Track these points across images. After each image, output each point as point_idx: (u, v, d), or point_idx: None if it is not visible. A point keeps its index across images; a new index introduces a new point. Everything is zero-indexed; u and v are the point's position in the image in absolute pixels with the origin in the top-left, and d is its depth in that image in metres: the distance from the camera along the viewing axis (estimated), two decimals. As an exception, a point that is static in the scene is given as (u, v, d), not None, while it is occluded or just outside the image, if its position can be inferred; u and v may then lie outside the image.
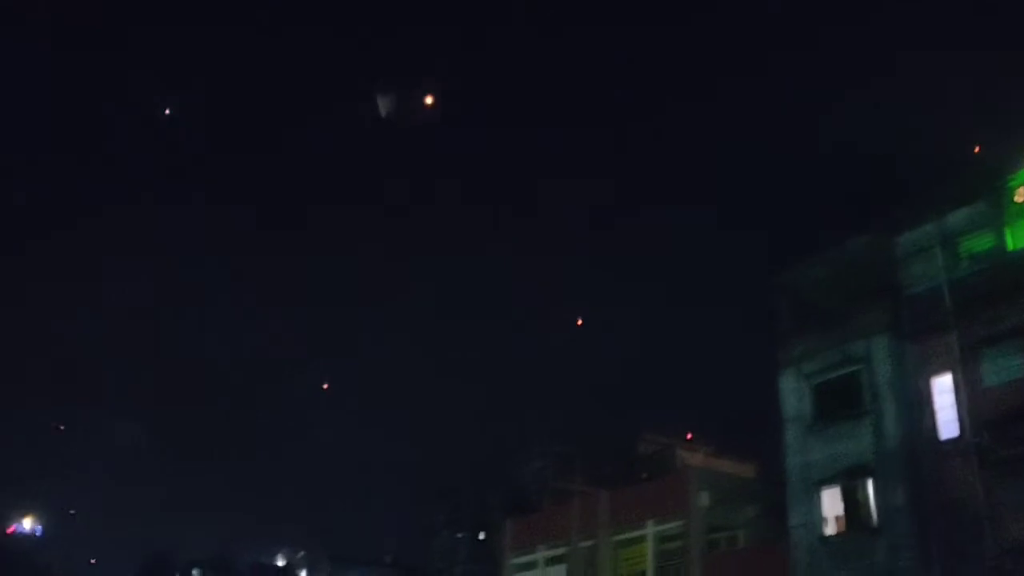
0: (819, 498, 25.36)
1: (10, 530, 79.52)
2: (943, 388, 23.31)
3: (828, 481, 25.19)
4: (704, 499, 31.14)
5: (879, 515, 23.78)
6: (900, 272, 25.02)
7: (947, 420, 23.03)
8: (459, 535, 51.78)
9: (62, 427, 74.96)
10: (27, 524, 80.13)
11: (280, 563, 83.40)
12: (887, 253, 25.45)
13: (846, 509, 24.86)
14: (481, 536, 50.04)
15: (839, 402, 25.60)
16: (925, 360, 23.82)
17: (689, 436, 40.22)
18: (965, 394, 22.63)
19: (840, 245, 26.92)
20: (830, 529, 25.14)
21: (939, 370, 23.42)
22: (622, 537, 34.34)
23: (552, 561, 37.34)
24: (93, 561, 79.13)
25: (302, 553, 79.10)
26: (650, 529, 32.88)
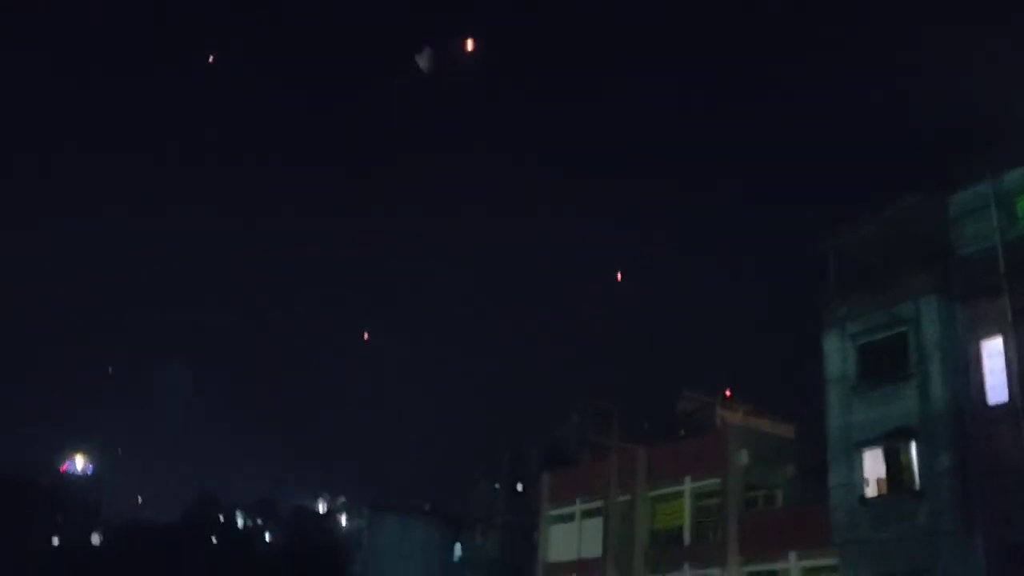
0: (860, 460, 25.09)
1: (63, 468, 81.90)
2: (993, 352, 22.78)
3: (870, 443, 24.90)
4: (743, 457, 31.06)
5: (922, 478, 23.48)
6: (952, 232, 24.39)
7: (996, 384, 22.54)
8: (497, 486, 52.34)
9: (111, 370, 76.80)
10: (79, 463, 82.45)
11: (321, 508, 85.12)
12: (939, 213, 24.81)
13: (888, 471, 24.58)
14: (519, 488, 50.53)
15: (884, 363, 25.19)
16: (975, 323, 23.30)
17: (728, 393, 40.04)
18: (1016, 358, 22.10)
19: (891, 204, 26.33)
20: (871, 491, 24.90)
21: (989, 333, 22.89)
22: (659, 492, 34.46)
23: (588, 514, 37.63)
24: (140, 500, 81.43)
25: (342, 499, 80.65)
26: (688, 485, 32.93)
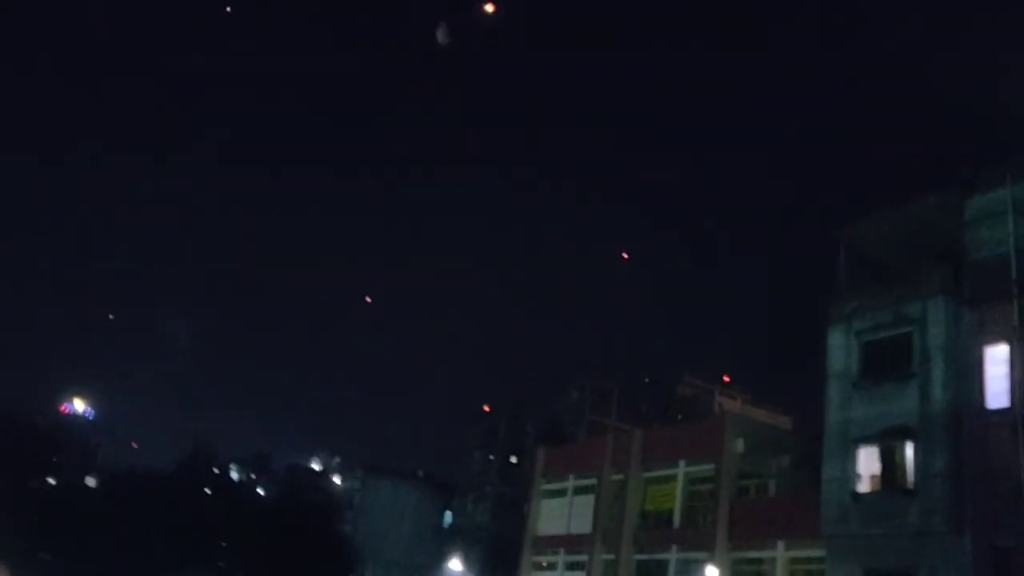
0: (856, 455, 25.18)
1: (63, 409, 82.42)
2: (997, 358, 22.78)
3: (867, 439, 24.98)
4: (738, 445, 31.19)
5: (916, 477, 23.56)
6: (966, 236, 24.32)
7: (997, 390, 22.57)
8: (492, 457, 52.68)
9: (112, 316, 77.08)
10: (79, 406, 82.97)
11: (315, 467, 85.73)
12: (955, 215, 24.72)
13: (883, 469, 24.66)
14: (513, 460, 50.85)
15: (887, 362, 25.22)
16: (981, 328, 23.28)
17: (727, 379, 40.16)
18: (1019, 366, 22.11)
19: (908, 203, 26.22)
20: (864, 487, 25.00)
21: (995, 339, 22.88)
22: (653, 474, 34.65)
23: (581, 491, 37.87)
24: (135, 445, 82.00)
25: (337, 459, 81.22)
26: (681, 469, 33.10)
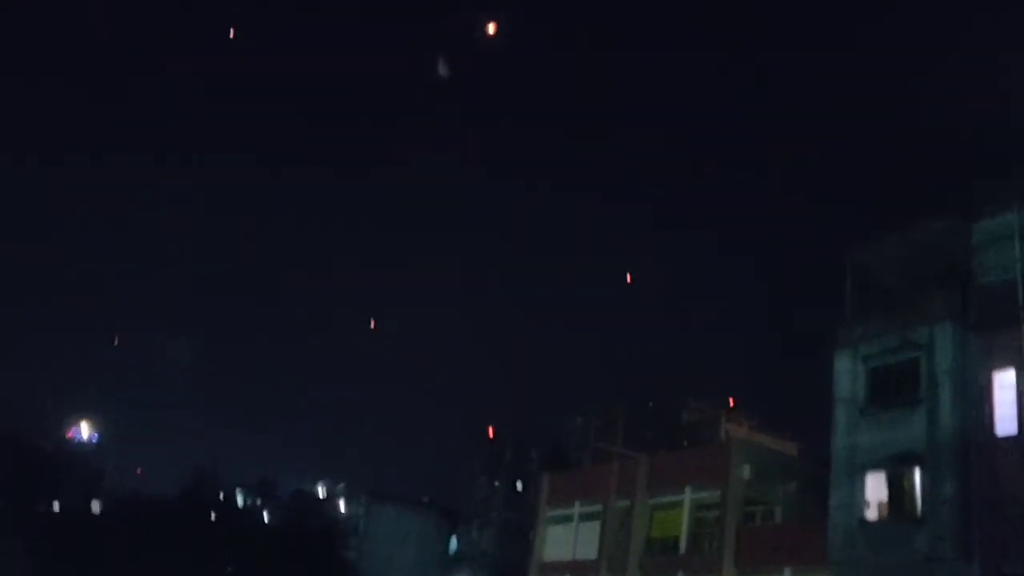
0: (863, 482, 24.96)
1: (69, 434, 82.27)
2: (1005, 383, 22.63)
3: (874, 466, 24.77)
4: (745, 471, 30.95)
5: (924, 504, 23.33)
6: (973, 260, 24.23)
7: (1006, 416, 22.40)
8: (497, 483, 52.39)
9: (117, 340, 77.02)
10: (84, 430, 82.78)
11: (320, 492, 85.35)
12: (962, 239, 24.64)
13: (890, 495, 24.43)
14: (518, 486, 50.55)
15: (894, 387, 25.05)
16: (989, 353, 23.13)
17: (732, 402, 39.96)
18: (1028, 392, 21.95)
19: (914, 227, 26.15)
20: (871, 514, 24.76)
21: (1003, 364, 22.73)
22: (659, 501, 34.37)
23: (586, 517, 37.58)
24: (139, 471, 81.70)
25: (341, 485, 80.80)
26: (687, 495, 32.83)
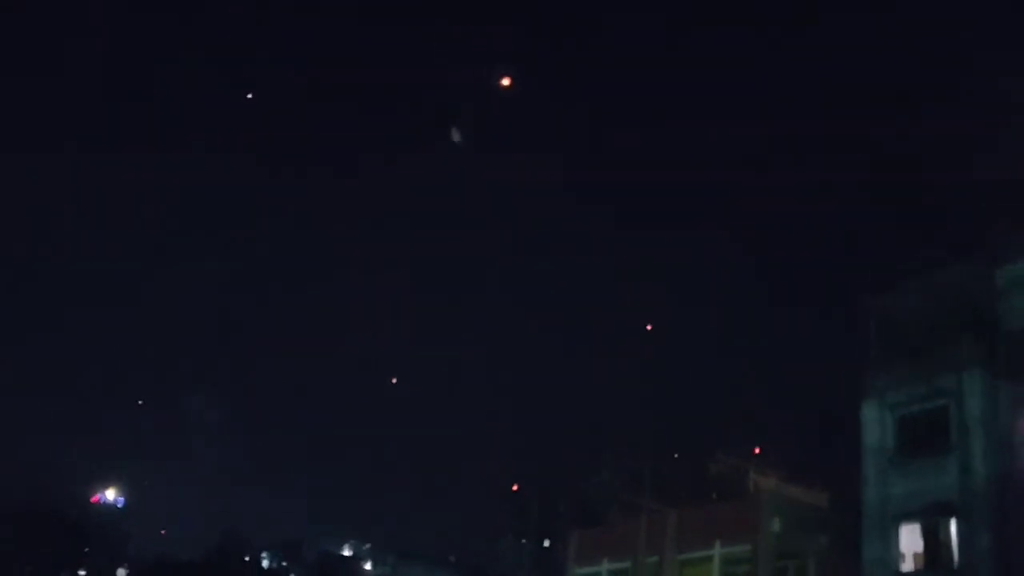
0: (897, 533, 24.43)
1: (95, 499, 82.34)
2: (1038, 430, 22.20)
3: (908, 517, 24.24)
4: (775, 525, 30.36)
5: (961, 556, 22.77)
6: (999, 306, 23.93)
7: (1041, 464, 21.93)
8: (524, 541, 51.70)
9: (141, 402, 77.33)
10: (110, 495, 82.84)
11: (347, 553, 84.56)
12: (987, 284, 24.36)
13: (926, 547, 23.89)
14: (546, 544, 49.84)
15: (924, 436, 24.61)
16: (1020, 400, 22.72)
17: (758, 450, 39.31)
18: (1062, 438, 21.49)
19: (938, 272, 25.89)
20: (907, 566, 24.20)
21: (1035, 410, 22.31)
22: (688, 556, 33.69)
23: (616, 574, 36.89)
24: (163, 532, 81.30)
25: (368, 545, 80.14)
26: (717, 551, 32.16)
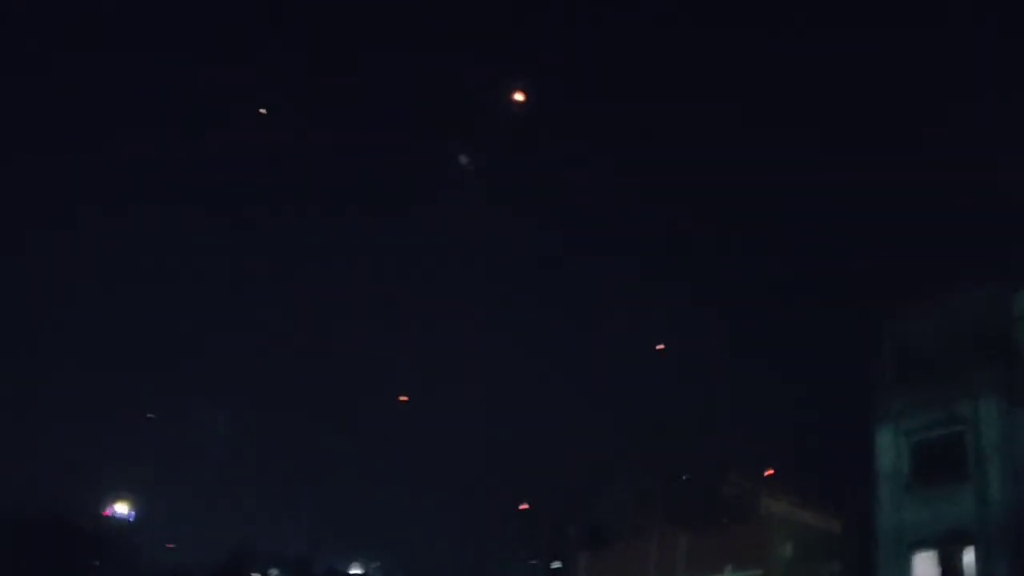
0: (912, 561, 24.02)
1: (106, 512, 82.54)
2: (1056, 458, 21.81)
3: (923, 544, 23.84)
4: (787, 550, 29.96)
5: (977, 586, 22.35)
6: (1017, 331, 23.59)
7: (1059, 493, 21.52)
8: (533, 561, 51.28)
9: (151, 416, 77.38)
10: (121, 508, 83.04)
11: (355, 571, 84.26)
12: (1005, 310, 24.05)
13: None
14: (556, 565, 49.40)
15: (940, 462, 24.24)
16: (1038, 427, 22.34)
17: (770, 472, 38.86)
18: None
19: (956, 297, 25.56)
20: (923, 596, 23.75)
21: (1054, 438, 21.93)
22: (699, 581, 33.29)
23: (625, 598, 36.47)
24: (171, 545, 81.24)
25: (377, 563, 79.78)
26: (728, 575, 31.76)
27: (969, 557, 22.94)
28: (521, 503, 54.60)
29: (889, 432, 25.71)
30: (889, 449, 25.56)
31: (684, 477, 43.09)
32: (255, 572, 77.54)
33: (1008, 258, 25.28)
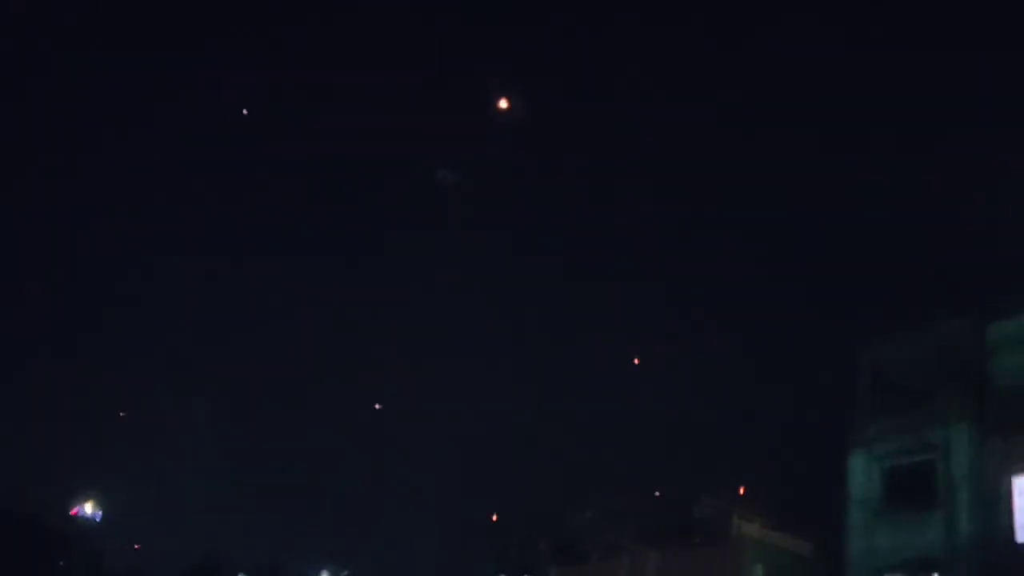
0: (881, 587, 24.17)
1: (73, 512, 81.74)
2: (1024, 489, 22.06)
3: (892, 570, 24.04)
4: (758, 572, 30.09)
5: (944, 613, 22.52)
6: (990, 361, 23.89)
7: (1025, 523, 21.76)
8: (502, 575, 51.13)
9: (123, 414, 76.66)
10: (88, 508, 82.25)
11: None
12: (978, 339, 24.36)
13: (909, 602, 23.63)
14: (525, 579, 49.27)
15: (911, 489, 24.48)
16: (1008, 457, 22.60)
17: (743, 491, 39.01)
18: (1049, 497, 21.36)
19: (931, 325, 25.91)
20: (890, 620, 23.92)
21: (1022, 469, 22.18)
22: (668, 600, 33.35)
23: (594, 615, 36.49)
24: (137, 547, 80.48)
25: (346, 572, 79.32)
26: (698, 596, 31.86)
27: (935, 585, 23.12)
28: (492, 516, 54.52)
29: (862, 457, 25.94)
30: (862, 474, 25.78)
31: (656, 495, 43.21)
32: (222, 577, 76.87)
33: (982, 291, 25.61)
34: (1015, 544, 21.70)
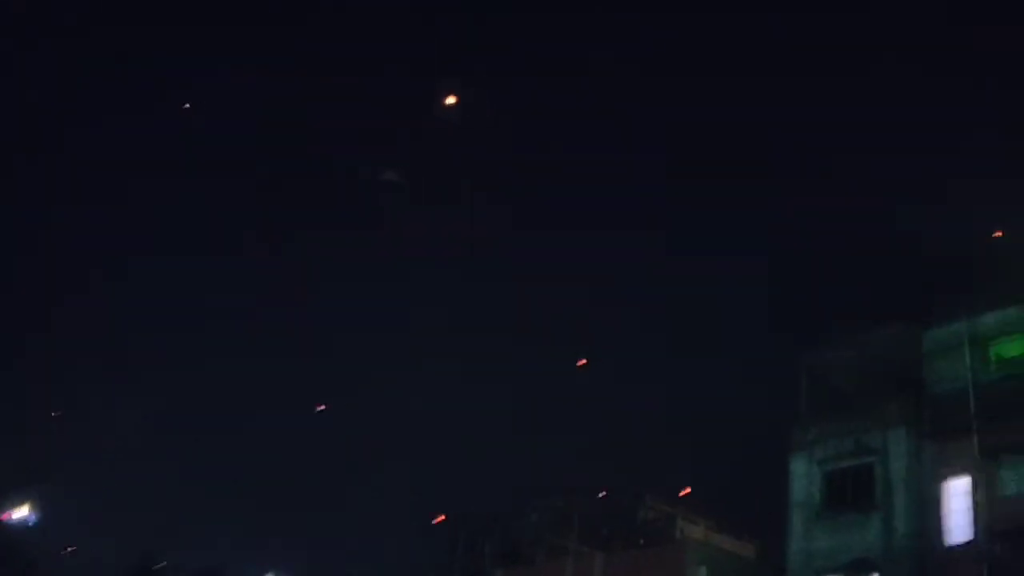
0: (821, 588, 24.64)
1: (4, 516, 79.34)
2: (958, 491, 22.73)
3: (831, 572, 24.49)
4: (701, 573, 30.46)
5: (881, 614, 23.05)
6: (925, 367, 24.57)
7: (959, 525, 22.42)
8: (448, 578, 50.91)
9: (55, 413, 74.76)
10: (23, 512, 79.91)
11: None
12: (913, 346, 25.02)
13: (847, 603, 24.13)
14: (470, 582, 49.14)
15: (849, 492, 25.01)
16: (942, 460, 23.25)
17: (688, 491, 39.44)
18: (981, 500, 22.02)
19: (869, 331, 26.53)
20: (829, 621, 24.40)
21: (955, 472, 22.85)
22: (613, 602, 33.59)
23: (539, 617, 36.58)
24: (71, 549, 78.54)
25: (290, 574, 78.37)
26: (642, 598, 32.14)
27: (873, 585, 23.64)
28: (436, 519, 54.26)
29: (803, 460, 26.43)
30: (802, 477, 26.27)
31: (600, 497, 43.42)
32: (160, 582, 75.41)
33: (919, 298, 26.34)
34: (949, 546, 22.33)
